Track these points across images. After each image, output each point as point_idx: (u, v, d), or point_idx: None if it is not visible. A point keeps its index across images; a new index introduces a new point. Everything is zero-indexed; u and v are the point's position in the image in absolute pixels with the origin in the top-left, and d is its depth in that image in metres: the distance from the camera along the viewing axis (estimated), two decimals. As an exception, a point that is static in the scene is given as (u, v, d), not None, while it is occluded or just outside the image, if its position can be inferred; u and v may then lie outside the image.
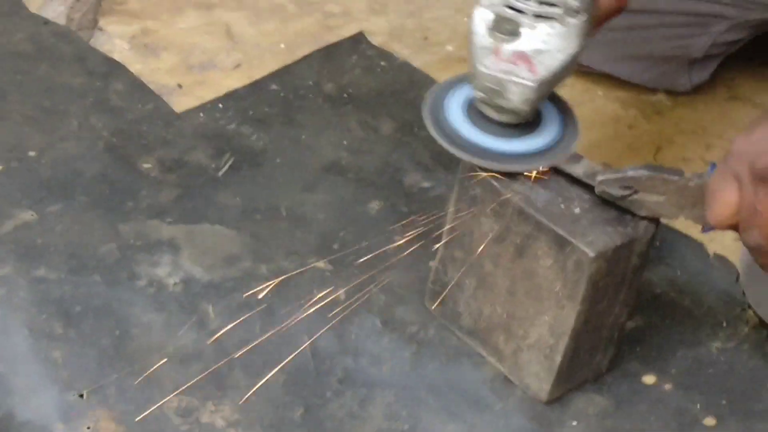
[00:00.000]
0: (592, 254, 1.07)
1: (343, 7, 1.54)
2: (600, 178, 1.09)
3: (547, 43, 1.07)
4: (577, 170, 1.11)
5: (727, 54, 1.42)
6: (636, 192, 1.08)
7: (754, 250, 1.00)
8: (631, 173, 1.08)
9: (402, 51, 1.50)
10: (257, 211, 1.30)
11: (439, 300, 1.20)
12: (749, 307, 1.22)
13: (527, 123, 1.13)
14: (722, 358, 1.19)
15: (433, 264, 1.20)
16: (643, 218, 1.09)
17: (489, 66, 1.08)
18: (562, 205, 1.11)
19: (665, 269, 1.27)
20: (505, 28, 1.07)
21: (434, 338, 1.19)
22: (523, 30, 1.07)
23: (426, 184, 1.33)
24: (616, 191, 1.08)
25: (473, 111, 1.13)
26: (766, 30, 1.39)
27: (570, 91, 1.42)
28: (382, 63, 1.47)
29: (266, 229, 1.28)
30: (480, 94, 1.10)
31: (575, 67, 1.10)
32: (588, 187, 1.11)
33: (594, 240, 1.08)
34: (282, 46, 1.49)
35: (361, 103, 1.42)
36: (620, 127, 1.41)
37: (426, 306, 1.21)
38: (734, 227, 1.01)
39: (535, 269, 1.12)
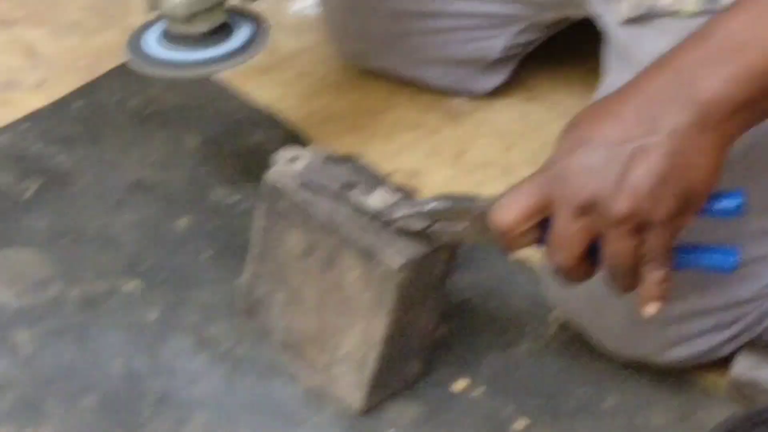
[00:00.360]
0: (397, 264, 1.09)
1: (148, 19, 1.52)
2: (397, 215, 1.09)
3: None
4: (376, 203, 1.11)
5: (523, 55, 1.44)
6: (436, 221, 1.09)
7: (558, 270, 1.01)
8: (430, 207, 1.08)
9: None
10: (65, 233, 1.28)
11: (250, 315, 1.21)
12: (553, 308, 1.24)
13: (218, 37, 1.22)
14: (531, 360, 1.21)
15: (243, 279, 1.20)
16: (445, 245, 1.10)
17: None
18: (366, 218, 1.11)
19: (471, 274, 1.28)
20: None
21: (248, 354, 1.19)
22: None
23: (233, 199, 1.33)
24: (416, 224, 1.09)
25: (168, 36, 1.23)
26: (559, 29, 1.41)
27: (372, 98, 1.47)
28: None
29: (75, 252, 1.26)
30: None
31: None
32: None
33: (399, 250, 1.09)
34: (85, 62, 1.47)
35: (165, 118, 1.41)
36: (423, 133, 1.43)
37: (239, 322, 1.21)
38: (530, 244, 1.02)
39: (344, 281, 1.12)
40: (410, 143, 1.41)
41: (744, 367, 1.17)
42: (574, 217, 0.98)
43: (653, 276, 1.00)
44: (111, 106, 1.42)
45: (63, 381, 1.14)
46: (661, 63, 0.99)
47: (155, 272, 1.25)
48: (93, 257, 1.26)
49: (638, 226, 0.97)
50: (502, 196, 1.03)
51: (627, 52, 1.18)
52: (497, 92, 1.46)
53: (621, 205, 0.96)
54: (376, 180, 1.14)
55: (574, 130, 1.00)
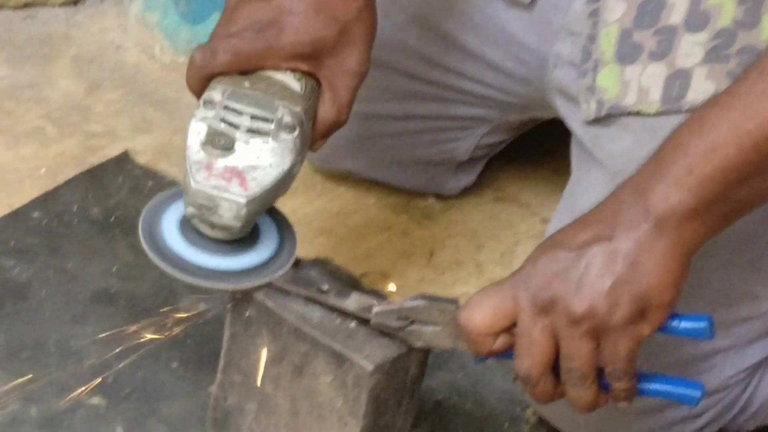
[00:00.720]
0: (370, 368, 1.09)
1: (106, 126, 1.53)
2: (376, 310, 1.10)
3: (260, 158, 1.09)
4: (350, 305, 1.12)
5: (491, 155, 1.46)
6: (412, 323, 1.09)
7: (523, 380, 1.03)
8: (408, 304, 1.09)
9: (169, 169, 1.49)
10: (24, 348, 1.27)
11: (222, 427, 1.19)
12: (528, 406, 1.25)
13: (244, 239, 1.13)
14: None
15: (212, 390, 1.19)
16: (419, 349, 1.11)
17: (200, 181, 1.08)
18: (338, 320, 1.12)
19: (445, 374, 1.28)
20: (218, 142, 1.08)
21: None
22: (237, 145, 1.09)
23: (202, 307, 1.31)
24: (393, 323, 1.10)
25: (189, 227, 1.13)
26: (525, 130, 1.44)
27: (341, 200, 1.48)
28: (150, 183, 1.46)
29: (35, 367, 1.25)
30: (191, 210, 1.10)
31: (292, 182, 1.13)
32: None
33: (371, 353, 1.10)
34: (43, 171, 1.47)
35: (129, 226, 1.40)
36: (393, 234, 1.44)
37: None
38: (499, 350, 1.04)
39: (316, 387, 1.12)
40: (380, 245, 1.42)
41: None
42: (535, 317, 1.00)
43: (615, 386, 1.02)
44: (71, 215, 1.42)
45: None
46: (628, 178, 1.02)
47: (120, 386, 1.24)
48: (53, 373, 1.25)
49: (595, 328, 0.99)
50: (471, 298, 1.05)
51: (593, 151, 1.20)
52: (467, 192, 1.47)
53: (578, 303, 0.99)
54: (348, 284, 1.14)
55: (546, 240, 1.04)
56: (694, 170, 0.97)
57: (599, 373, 1.02)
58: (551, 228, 1.25)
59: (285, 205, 1.42)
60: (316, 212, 1.45)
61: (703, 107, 1.00)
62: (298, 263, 1.15)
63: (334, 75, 1.12)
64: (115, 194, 1.45)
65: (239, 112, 1.08)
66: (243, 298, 1.13)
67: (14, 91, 1.55)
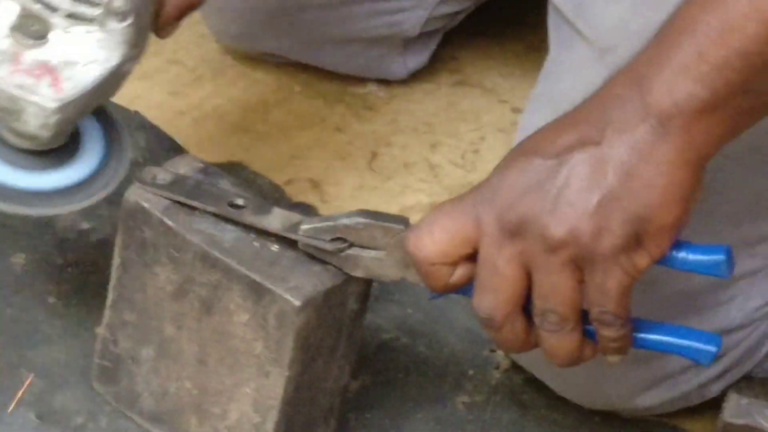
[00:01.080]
0: (297, 303, 1.07)
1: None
2: (304, 228, 1.08)
3: (80, 52, 1.05)
4: (273, 224, 1.09)
5: (447, 29, 1.45)
6: (351, 246, 1.07)
7: (485, 322, 1.00)
8: (344, 221, 1.07)
9: None
10: None
11: (109, 379, 1.17)
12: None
13: (61, 150, 1.11)
14: (471, 415, 1.21)
15: (99, 332, 1.17)
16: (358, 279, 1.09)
17: (3, 77, 1.05)
18: (256, 243, 1.10)
19: (393, 308, 1.28)
20: (31, 28, 1.05)
21: (107, 430, 1.16)
22: (52, 34, 1.05)
23: (85, 226, 1.30)
24: (325, 245, 1.07)
25: None
26: None
27: (259, 88, 1.47)
28: None
29: None
30: None
31: (122, 83, 1.10)
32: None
33: (299, 284, 1.07)
34: None
35: None
36: (326, 131, 1.42)
37: (94, 388, 1.18)
38: (457, 284, 1.02)
39: (229, 328, 1.10)
40: (309, 145, 1.41)
41: (736, 410, 1.19)
42: (501, 243, 0.98)
43: (603, 335, 1.00)
44: None
45: None
46: (623, 66, 0.99)
47: None
48: None
49: (577, 257, 0.96)
50: (422, 219, 1.02)
51: (575, 22, 1.19)
52: (418, 76, 1.47)
53: (556, 226, 0.96)
54: (268, 195, 1.16)
55: (518, 145, 1.02)
56: (705, 54, 0.94)
57: (583, 316, 0.99)
58: (525, 121, 1.23)
59: (186, 97, 1.44)
60: (227, 104, 1.45)
61: None
62: (206, 170, 1.12)
63: None
64: None
65: None
66: None
67: None
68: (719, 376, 1.20)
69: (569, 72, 1.19)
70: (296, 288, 1.07)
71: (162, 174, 1.12)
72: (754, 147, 1.13)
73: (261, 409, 1.10)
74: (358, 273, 1.08)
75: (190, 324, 1.12)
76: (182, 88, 1.44)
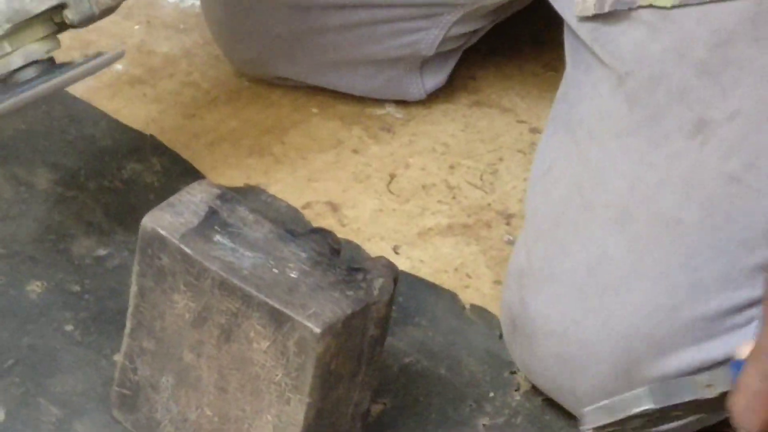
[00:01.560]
0: (317, 330, 1.06)
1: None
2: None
3: None
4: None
5: (464, 48, 1.44)
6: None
7: None
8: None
9: None
10: None
11: (129, 407, 1.16)
12: (518, 369, 1.24)
13: None
14: None
15: (118, 360, 1.16)
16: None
17: None
18: (275, 270, 1.10)
19: (413, 331, 1.27)
20: None
21: None
22: None
23: (102, 252, 1.30)
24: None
25: None
26: (504, 17, 1.42)
27: (277, 110, 1.47)
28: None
29: None
30: None
31: None
32: (303, 242, 1.10)
33: (318, 311, 1.07)
34: None
35: (6, 151, 1.39)
36: (343, 153, 1.42)
37: (114, 416, 1.17)
38: None
39: (249, 355, 1.10)
40: (327, 167, 1.41)
41: None
42: None
43: None
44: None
45: None
46: None
47: (0, 357, 1.22)
48: None
49: None
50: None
51: (592, 47, 1.20)
52: (435, 97, 1.47)
53: None
54: (285, 220, 1.14)
55: None
56: None
57: None
58: (543, 143, 1.24)
59: (202, 120, 1.44)
60: (243, 127, 1.44)
61: None
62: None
63: None
64: None
65: None
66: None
67: None
68: None
69: (587, 97, 1.20)
70: (316, 315, 1.07)
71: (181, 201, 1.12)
72: (765, 173, 1.14)
73: None
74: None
75: (210, 351, 1.11)
76: (197, 110, 1.44)
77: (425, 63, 1.43)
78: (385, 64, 1.43)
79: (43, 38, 1.17)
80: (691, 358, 1.16)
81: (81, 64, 1.17)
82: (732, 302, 1.16)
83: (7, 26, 1.15)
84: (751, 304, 1.17)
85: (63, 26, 1.18)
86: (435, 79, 1.45)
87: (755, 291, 1.16)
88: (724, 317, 1.16)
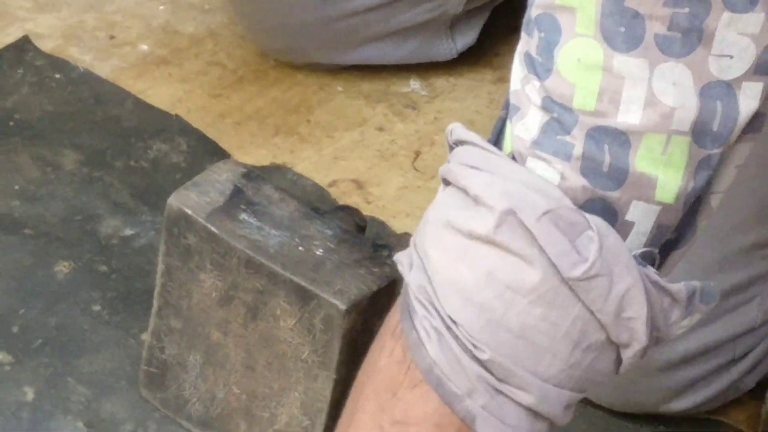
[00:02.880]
0: (343, 306, 1.07)
1: (2, 5, 1.51)
2: None
3: None
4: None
5: (494, 4, 1.43)
6: None
7: None
8: None
9: (82, 57, 1.47)
10: None
11: (157, 386, 1.17)
12: None
13: None
14: None
15: (145, 339, 1.17)
16: None
17: None
18: (301, 248, 1.10)
19: None
20: None
21: None
22: None
23: (128, 232, 1.31)
24: None
25: None
26: None
27: (300, 90, 1.46)
28: (57, 75, 1.44)
29: None
30: None
31: None
32: (329, 220, 1.11)
33: (344, 288, 1.08)
34: (-75, 63, 1.46)
35: (33, 132, 1.39)
36: (368, 131, 1.42)
37: (142, 395, 1.18)
38: None
39: (276, 333, 1.10)
40: (352, 146, 1.41)
41: None
42: None
43: None
44: (-42, 120, 1.42)
45: None
46: None
47: (29, 337, 1.23)
48: None
49: None
50: None
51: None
52: (459, 74, 1.46)
53: None
54: (310, 198, 1.14)
55: None
56: None
57: None
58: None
59: (228, 100, 1.44)
60: (269, 106, 1.44)
61: None
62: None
63: None
64: (13, 91, 1.43)
65: None
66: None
67: None
68: (750, 371, 1.20)
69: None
70: (341, 292, 1.07)
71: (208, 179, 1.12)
72: (757, 154, 1.13)
73: (310, 412, 1.11)
74: None
75: (237, 330, 1.12)
76: (223, 90, 1.44)
77: (455, 22, 1.42)
78: (415, 29, 1.42)
79: None
80: (699, 338, 1.17)
81: None
82: (731, 283, 1.17)
83: None
84: (750, 283, 1.18)
85: None
86: (465, 37, 1.44)
87: (752, 270, 1.17)
88: (725, 298, 1.16)
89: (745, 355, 1.19)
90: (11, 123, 1.39)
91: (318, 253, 1.09)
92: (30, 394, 1.18)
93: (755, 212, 1.16)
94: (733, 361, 1.19)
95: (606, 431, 1.20)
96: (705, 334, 1.17)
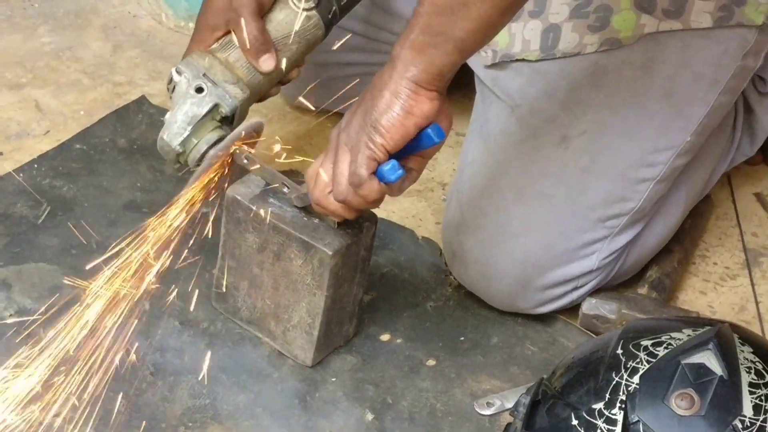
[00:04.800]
0: (330, 252, 1.07)
1: (127, 77, 1.48)
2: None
3: None
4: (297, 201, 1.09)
5: None
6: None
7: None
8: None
9: None
10: (73, 247, 1.23)
11: (222, 300, 1.17)
12: (450, 273, 1.23)
13: None
14: (435, 313, 1.20)
15: (214, 272, 1.17)
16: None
17: None
18: (305, 218, 1.10)
19: (388, 253, 1.27)
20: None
21: (221, 330, 1.16)
22: None
23: (204, 210, 1.24)
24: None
25: None
26: None
27: (307, 124, 1.43)
28: (162, 118, 1.34)
29: (81, 262, 1.18)
30: None
31: None
32: None
33: (331, 242, 1.08)
34: (82, 112, 1.42)
35: (148, 151, 1.36)
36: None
37: (213, 306, 1.18)
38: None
39: (290, 268, 1.10)
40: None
41: (590, 306, 1.20)
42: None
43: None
44: (104, 146, 1.37)
45: (77, 362, 1.09)
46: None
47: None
48: (96, 265, 1.18)
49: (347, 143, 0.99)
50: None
51: (493, 89, 1.18)
52: None
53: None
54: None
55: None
56: (414, 30, 0.96)
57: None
58: (465, 148, 1.22)
59: (266, 129, 1.37)
60: (288, 135, 1.42)
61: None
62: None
63: None
64: (136, 128, 1.41)
65: None
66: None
67: (57, 53, 1.50)
68: (585, 294, 1.19)
69: (492, 119, 1.18)
70: (330, 243, 1.08)
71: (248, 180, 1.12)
72: (602, 166, 1.13)
73: (311, 315, 1.11)
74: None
75: (268, 267, 1.12)
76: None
77: None
78: None
79: (212, 129, 1.13)
80: (561, 274, 1.16)
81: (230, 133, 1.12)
82: (584, 240, 1.16)
83: (189, 128, 1.12)
84: (596, 241, 1.17)
85: (224, 119, 1.14)
86: None
87: (598, 233, 1.16)
88: (580, 249, 1.16)
89: (585, 285, 1.18)
90: (135, 147, 1.38)
91: (315, 221, 1.09)
92: (147, 305, 1.13)
93: (602, 198, 1.15)
94: (576, 288, 1.18)
95: (492, 321, 1.20)
96: (564, 271, 1.16)
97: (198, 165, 1.13)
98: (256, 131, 1.15)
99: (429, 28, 0.95)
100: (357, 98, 1.36)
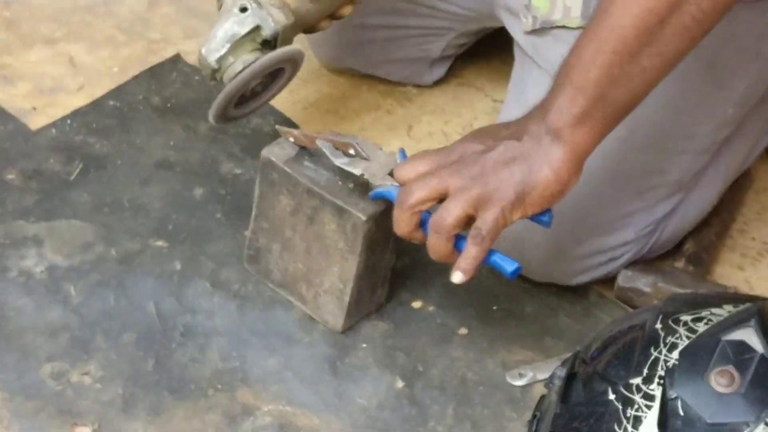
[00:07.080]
0: (364, 218, 1.06)
1: (162, 34, 1.46)
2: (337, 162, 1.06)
3: None
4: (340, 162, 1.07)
5: (457, 54, 1.40)
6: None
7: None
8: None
9: None
10: (105, 204, 1.22)
11: (254, 262, 1.16)
12: None
13: None
14: (468, 282, 1.13)
15: (247, 234, 1.16)
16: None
17: None
18: (340, 182, 1.09)
19: None
20: None
21: (253, 292, 1.15)
22: None
23: (238, 171, 1.28)
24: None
25: None
26: (483, 35, 1.37)
27: (342, 87, 1.42)
28: (196, 77, 1.39)
29: (113, 219, 1.21)
30: None
31: None
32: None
33: (365, 207, 1.07)
34: (116, 69, 1.40)
35: (182, 110, 1.35)
36: (381, 113, 1.38)
37: (245, 267, 1.17)
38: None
39: (323, 232, 1.09)
40: (371, 122, 1.37)
41: (626, 278, 1.18)
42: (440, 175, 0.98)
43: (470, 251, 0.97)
44: (138, 103, 1.36)
45: (106, 322, 1.10)
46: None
47: (178, 232, 1.20)
48: (127, 223, 1.20)
49: (479, 198, 0.94)
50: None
51: (533, 56, 1.16)
52: (437, 82, 1.42)
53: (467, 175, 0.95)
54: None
55: (477, 129, 1.01)
56: (576, 84, 0.93)
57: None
58: (503, 114, 1.20)
59: (299, 94, 1.40)
60: (323, 97, 1.40)
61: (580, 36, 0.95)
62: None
63: None
64: (170, 86, 1.38)
65: None
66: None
67: (92, 8, 1.48)
68: (621, 266, 1.17)
69: (531, 86, 1.16)
70: (364, 209, 1.06)
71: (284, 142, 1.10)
72: (640, 136, 1.10)
73: (343, 280, 1.10)
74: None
75: (301, 230, 1.11)
76: (295, 88, 1.39)
77: (433, 62, 1.38)
78: (410, 61, 1.38)
79: (251, 50, 1.11)
80: (596, 244, 1.15)
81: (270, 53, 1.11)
82: (620, 211, 1.14)
83: (228, 45, 1.11)
84: (633, 213, 1.14)
85: (265, 43, 1.12)
86: (439, 71, 1.40)
87: (635, 205, 1.14)
88: (616, 221, 1.14)
89: (620, 257, 1.17)
90: (169, 105, 1.35)
91: (350, 186, 1.08)
92: (178, 266, 1.16)
93: (640, 169, 1.13)
94: (612, 260, 1.17)
95: (526, 292, 1.18)
96: (602, 241, 1.14)
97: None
98: (295, 59, 1.12)
99: (603, 100, 0.93)
100: (386, 66, 1.36)
